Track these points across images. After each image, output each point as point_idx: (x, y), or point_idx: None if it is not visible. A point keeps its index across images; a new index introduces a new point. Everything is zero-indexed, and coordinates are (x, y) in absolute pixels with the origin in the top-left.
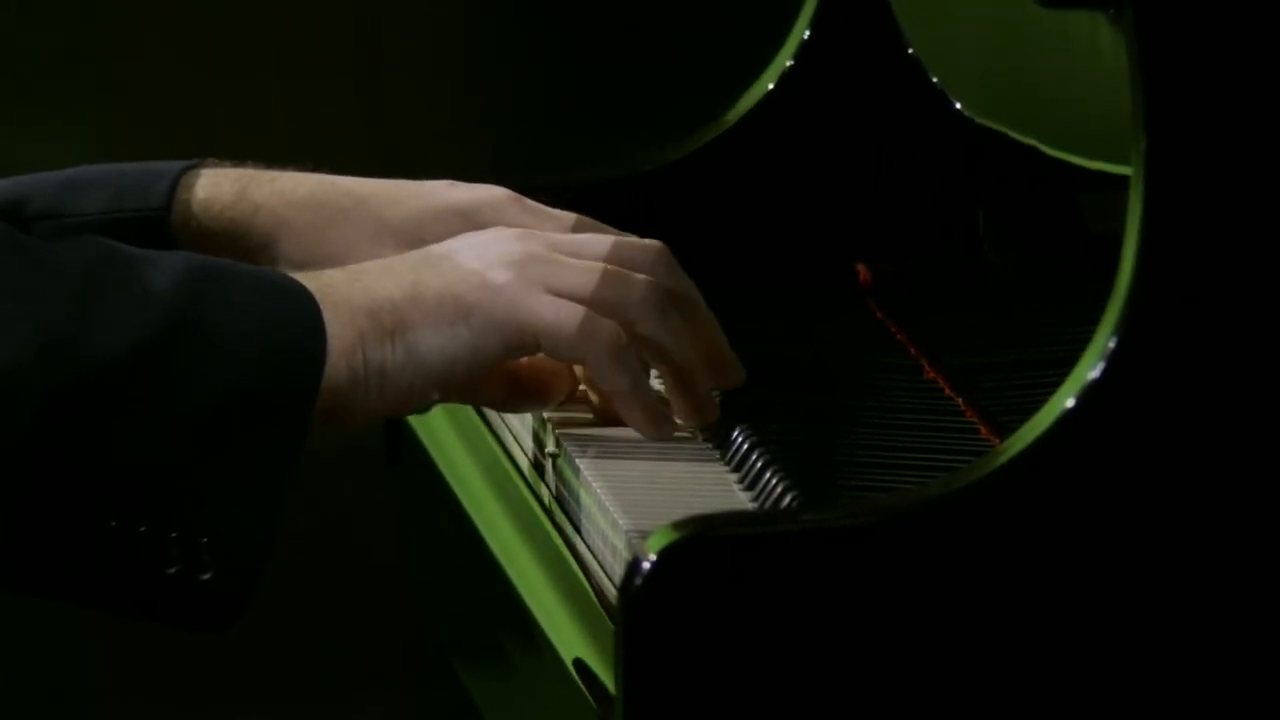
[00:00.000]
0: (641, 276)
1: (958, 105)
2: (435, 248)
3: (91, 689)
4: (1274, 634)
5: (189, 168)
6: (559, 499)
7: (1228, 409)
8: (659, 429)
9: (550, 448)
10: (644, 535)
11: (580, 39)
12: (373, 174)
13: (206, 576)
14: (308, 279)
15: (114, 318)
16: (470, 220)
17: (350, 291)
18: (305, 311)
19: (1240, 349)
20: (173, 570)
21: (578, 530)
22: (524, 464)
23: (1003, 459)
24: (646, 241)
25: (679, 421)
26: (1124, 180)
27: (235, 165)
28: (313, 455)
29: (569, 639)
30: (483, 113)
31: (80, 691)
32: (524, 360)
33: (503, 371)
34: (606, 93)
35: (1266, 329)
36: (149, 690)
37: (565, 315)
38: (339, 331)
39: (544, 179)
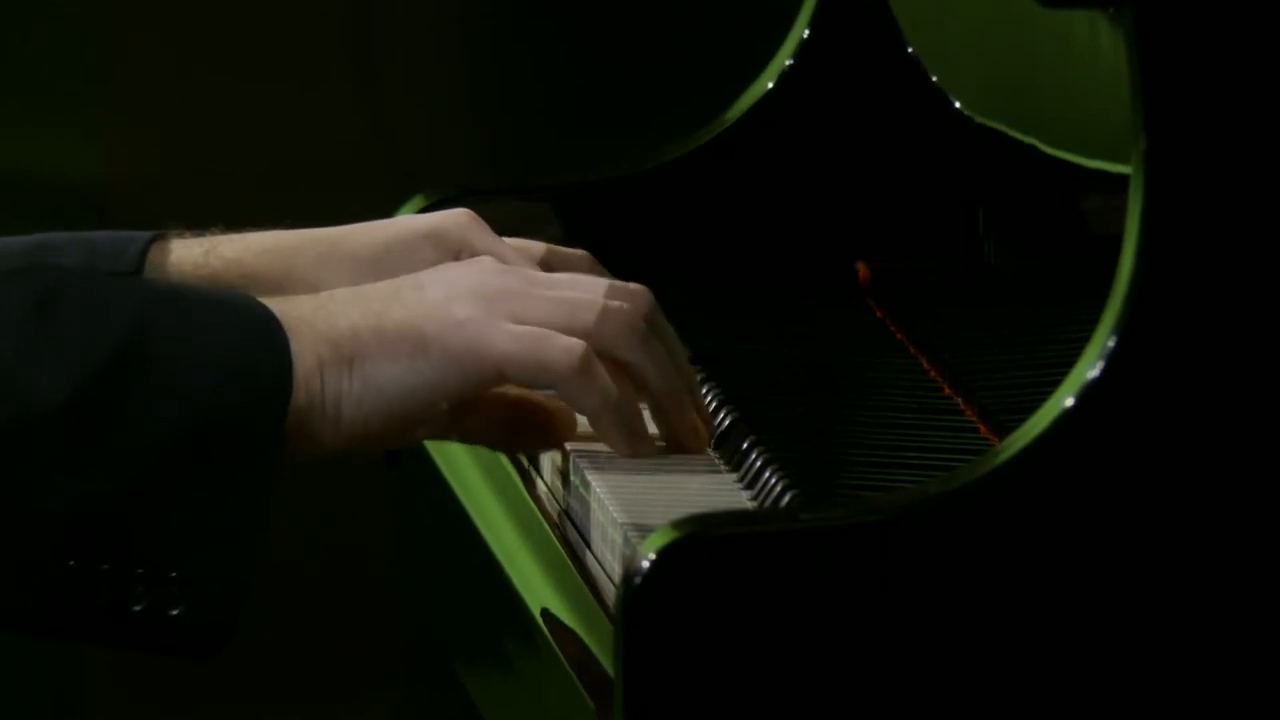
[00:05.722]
0: (617, 304)
1: (958, 105)
2: (408, 278)
3: (90, 689)
4: (1274, 633)
5: (157, 236)
6: (558, 498)
7: (1227, 408)
8: (635, 448)
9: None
10: (643, 534)
11: (580, 38)
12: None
13: (176, 612)
14: (275, 303)
15: (59, 353)
16: (438, 243)
17: (314, 318)
18: (269, 336)
19: (1240, 349)
20: (139, 608)
21: (577, 530)
22: (524, 464)
23: (1002, 458)
24: (633, 285)
25: (663, 445)
26: (1124, 180)
27: (198, 234)
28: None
29: (569, 639)
30: (483, 113)
31: (79, 691)
32: (523, 400)
33: (500, 410)
34: (606, 92)
35: (1266, 329)
36: (148, 690)
37: (525, 341)
38: (300, 355)
39: (544, 179)
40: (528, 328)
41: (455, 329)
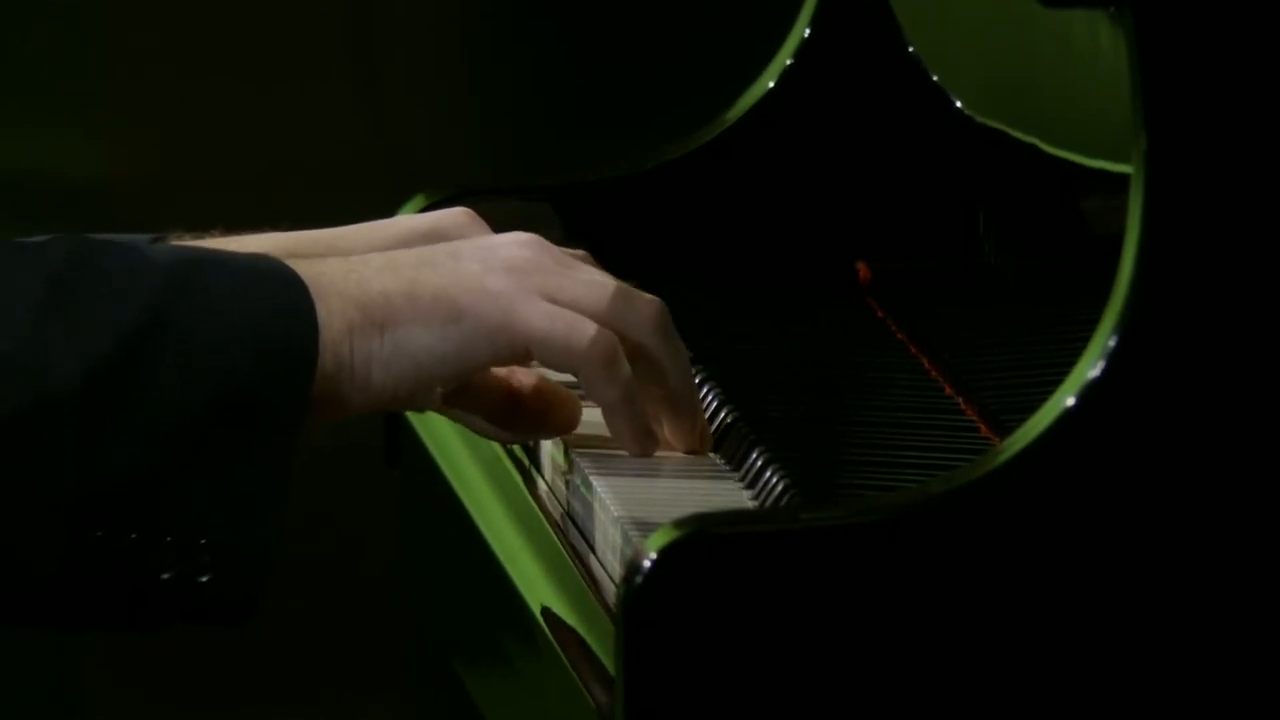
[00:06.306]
0: (647, 296)
1: (958, 105)
2: (443, 245)
3: (91, 689)
4: (1274, 633)
5: (157, 239)
6: (559, 498)
7: (1228, 408)
8: (644, 446)
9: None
10: (644, 534)
11: (580, 38)
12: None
13: (205, 579)
14: (303, 267)
15: (78, 326)
16: (438, 241)
17: (345, 284)
18: (296, 300)
19: (1240, 348)
20: (168, 575)
21: (579, 529)
22: (525, 463)
23: (1003, 458)
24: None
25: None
26: (1124, 180)
27: (197, 236)
28: (312, 454)
29: (570, 638)
30: (483, 113)
31: (80, 691)
32: (528, 386)
33: (501, 391)
34: (607, 92)
35: (1266, 328)
36: (149, 690)
37: (558, 323)
38: (328, 321)
39: (544, 179)
40: (560, 309)
41: (489, 300)
